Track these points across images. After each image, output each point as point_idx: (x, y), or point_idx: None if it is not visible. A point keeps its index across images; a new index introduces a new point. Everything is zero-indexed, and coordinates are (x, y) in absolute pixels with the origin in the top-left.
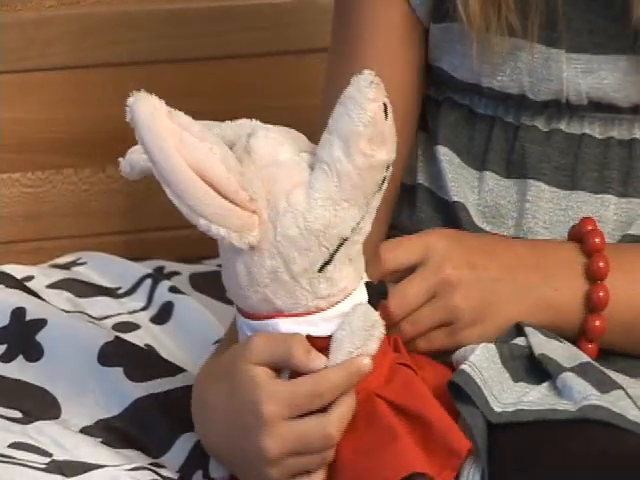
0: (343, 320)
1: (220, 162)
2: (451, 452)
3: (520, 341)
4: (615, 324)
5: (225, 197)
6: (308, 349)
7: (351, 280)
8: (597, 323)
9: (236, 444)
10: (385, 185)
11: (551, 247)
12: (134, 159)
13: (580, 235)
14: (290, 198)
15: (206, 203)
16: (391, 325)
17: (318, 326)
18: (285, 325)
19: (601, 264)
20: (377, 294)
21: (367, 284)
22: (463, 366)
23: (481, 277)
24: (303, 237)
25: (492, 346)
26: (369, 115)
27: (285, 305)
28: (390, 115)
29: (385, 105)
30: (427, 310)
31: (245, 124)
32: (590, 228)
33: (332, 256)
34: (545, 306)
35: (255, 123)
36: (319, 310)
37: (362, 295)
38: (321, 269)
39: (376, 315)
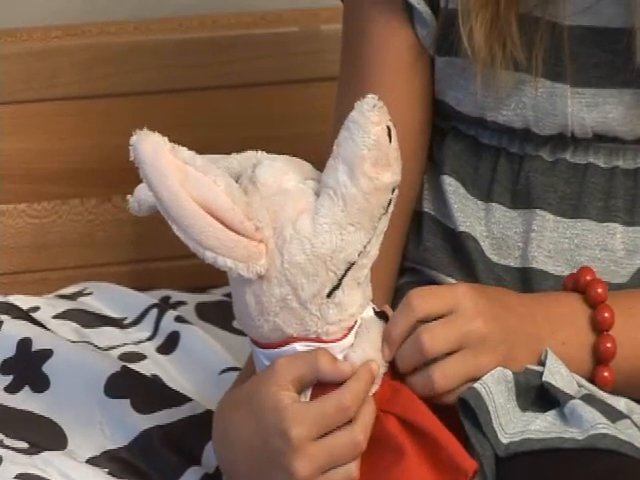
0: (360, 334)
1: (225, 194)
2: (458, 470)
3: (535, 367)
4: (617, 372)
5: (231, 228)
6: (333, 358)
7: (359, 306)
8: (605, 374)
9: (263, 470)
10: (391, 208)
11: (555, 300)
12: (142, 196)
13: (580, 285)
14: (296, 225)
15: (212, 236)
16: (422, 362)
17: (334, 353)
18: (303, 349)
19: (606, 314)
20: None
21: (378, 313)
22: (477, 386)
23: (504, 330)
24: (310, 263)
25: (509, 372)
26: (373, 138)
27: (296, 332)
28: (394, 138)
29: (389, 128)
30: (460, 367)
31: (250, 156)
32: (590, 278)
33: (340, 281)
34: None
35: (260, 154)
36: (330, 336)
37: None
38: (330, 294)
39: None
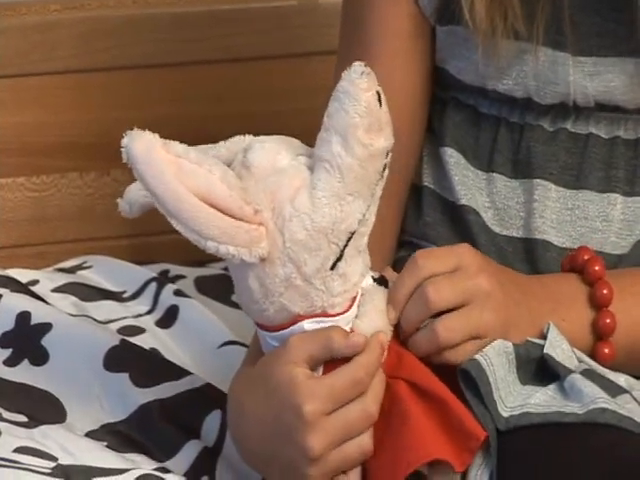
0: (364, 303)
1: (221, 181)
2: (469, 434)
3: (537, 339)
4: (618, 348)
5: (231, 215)
6: (345, 333)
7: (360, 274)
8: (606, 350)
9: (276, 447)
10: (386, 172)
11: (552, 280)
12: (132, 197)
13: (578, 265)
14: (294, 202)
15: (213, 225)
16: (427, 316)
17: (341, 325)
18: (310, 326)
19: (605, 291)
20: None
21: (377, 279)
22: (478, 357)
23: (507, 295)
24: (312, 238)
25: (509, 344)
26: (364, 105)
27: (302, 310)
28: (384, 102)
29: (378, 93)
30: (463, 321)
31: (238, 140)
32: (587, 257)
33: (342, 252)
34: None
35: (248, 137)
36: (335, 308)
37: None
38: (333, 266)
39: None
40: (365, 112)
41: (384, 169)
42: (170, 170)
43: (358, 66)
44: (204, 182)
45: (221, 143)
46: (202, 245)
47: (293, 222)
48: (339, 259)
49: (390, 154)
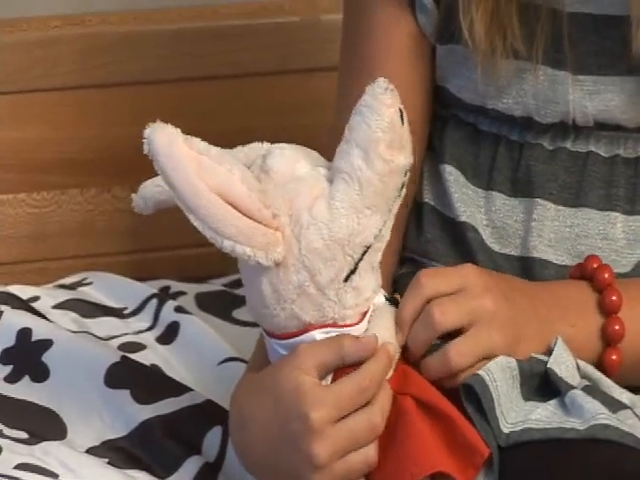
0: (374, 319)
1: (241, 182)
2: (473, 450)
3: (541, 356)
4: (625, 356)
5: (248, 216)
6: (355, 338)
7: (372, 291)
8: (614, 357)
9: (281, 456)
10: (404, 191)
11: (561, 287)
12: (147, 193)
13: (586, 273)
14: (312, 211)
15: (230, 224)
16: (433, 338)
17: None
18: (322, 337)
19: (614, 297)
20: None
21: (389, 299)
22: (481, 373)
23: (513, 309)
24: (328, 248)
25: (513, 360)
26: (387, 121)
27: (313, 319)
28: (406, 120)
29: (401, 110)
30: (473, 344)
31: (256, 147)
32: (596, 265)
33: (357, 265)
34: (564, 342)
35: (267, 145)
36: (346, 320)
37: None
38: (347, 279)
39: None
40: (388, 128)
41: (402, 187)
42: (191, 165)
43: (382, 82)
44: (224, 180)
45: (239, 148)
46: (218, 243)
47: (310, 230)
48: (353, 272)
49: (409, 173)
